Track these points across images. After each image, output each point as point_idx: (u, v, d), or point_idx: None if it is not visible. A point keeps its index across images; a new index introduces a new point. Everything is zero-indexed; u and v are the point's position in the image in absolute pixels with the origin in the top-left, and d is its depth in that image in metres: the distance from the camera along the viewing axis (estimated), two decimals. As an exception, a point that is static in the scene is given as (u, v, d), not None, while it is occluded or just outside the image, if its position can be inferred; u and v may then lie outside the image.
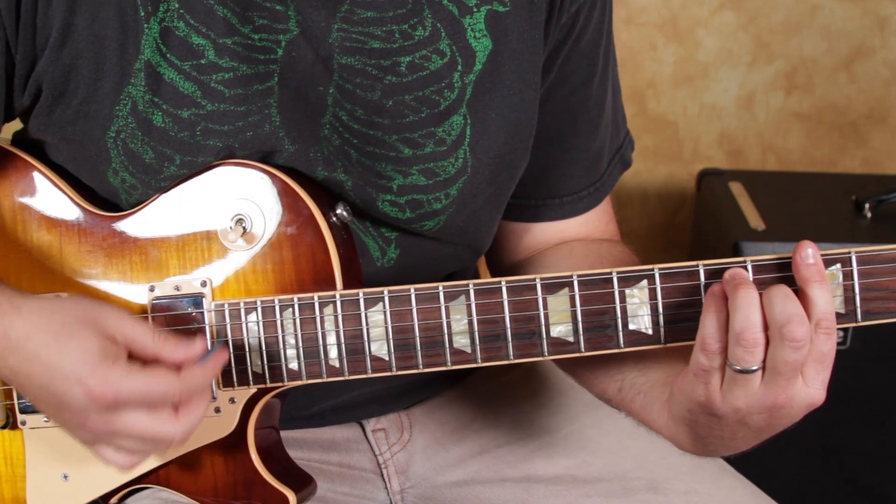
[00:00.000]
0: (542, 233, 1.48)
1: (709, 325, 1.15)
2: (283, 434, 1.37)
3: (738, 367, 1.14)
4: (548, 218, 1.47)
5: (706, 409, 1.17)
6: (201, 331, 1.27)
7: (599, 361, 1.32)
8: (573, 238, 1.48)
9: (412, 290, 1.23)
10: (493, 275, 1.54)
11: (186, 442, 1.23)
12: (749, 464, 1.50)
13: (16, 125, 1.38)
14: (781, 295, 1.13)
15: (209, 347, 1.24)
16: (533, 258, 1.48)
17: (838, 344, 1.16)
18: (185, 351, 1.20)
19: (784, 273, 1.17)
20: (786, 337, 1.12)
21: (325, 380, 1.26)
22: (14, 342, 1.19)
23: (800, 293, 1.14)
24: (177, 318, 1.28)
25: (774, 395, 1.14)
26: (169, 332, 1.22)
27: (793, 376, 1.14)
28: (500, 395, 1.52)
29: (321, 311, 1.25)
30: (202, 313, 1.27)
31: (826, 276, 1.15)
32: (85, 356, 1.17)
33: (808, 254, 1.15)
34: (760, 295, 1.14)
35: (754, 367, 1.14)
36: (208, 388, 1.22)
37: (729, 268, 1.18)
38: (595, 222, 1.49)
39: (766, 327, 1.13)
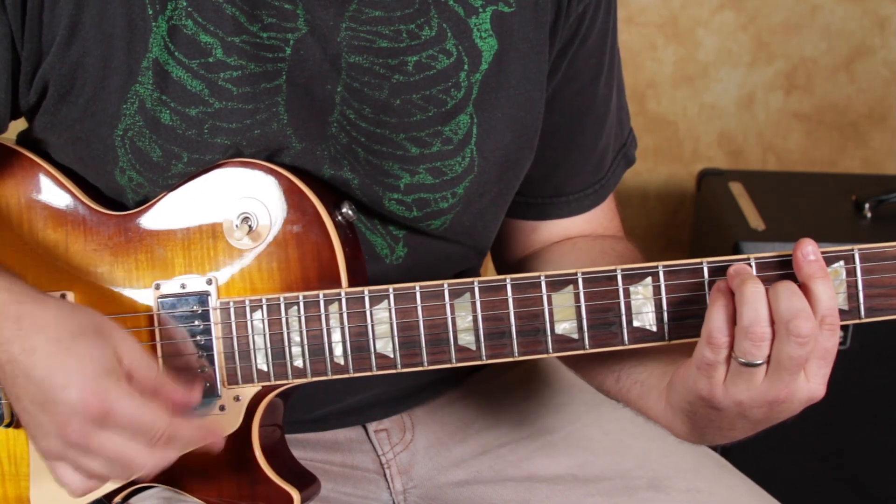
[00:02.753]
0: (549, 230, 1.48)
1: (716, 319, 1.16)
2: (287, 437, 1.37)
3: (743, 361, 1.15)
4: (555, 216, 1.48)
5: (707, 403, 1.18)
6: (209, 336, 1.28)
7: (598, 353, 1.32)
8: (578, 235, 1.48)
9: (417, 288, 1.23)
10: (498, 271, 1.54)
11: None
12: (749, 462, 1.50)
13: (20, 125, 1.38)
14: (788, 291, 1.14)
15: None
16: (536, 254, 1.48)
17: (839, 344, 1.17)
18: (183, 395, 1.20)
19: (786, 270, 1.17)
20: (792, 332, 1.12)
21: (329, 377, 1.26)
22: (24, 330, 1.18)
23: (803, 290, 1.15)
24: (182, 315, 1.28)
25: (777, 389, 1.15)
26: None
27: (796, 371, 1.14)
28: (501, 394, 1.51)
29: (326, 309, 1.25)
30: (208, 311, 1.28)
31: (828, 272, 1.15)
32: (92, 364, 1.16)
33: (809, 250, 1.15)
34: (766, 290, 1.15)
35: (759, 361, 1.14)
36: (189, 444, 1.21)
37: (732, 265, 1.18)
38: (599, 219, 1.50)
39: (772, 322, 1.14)
